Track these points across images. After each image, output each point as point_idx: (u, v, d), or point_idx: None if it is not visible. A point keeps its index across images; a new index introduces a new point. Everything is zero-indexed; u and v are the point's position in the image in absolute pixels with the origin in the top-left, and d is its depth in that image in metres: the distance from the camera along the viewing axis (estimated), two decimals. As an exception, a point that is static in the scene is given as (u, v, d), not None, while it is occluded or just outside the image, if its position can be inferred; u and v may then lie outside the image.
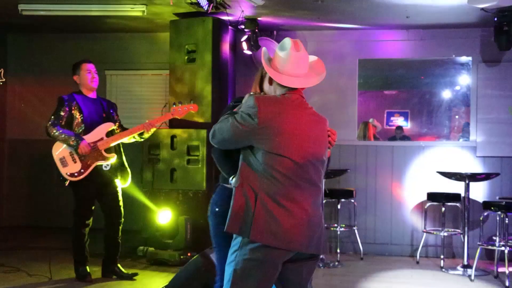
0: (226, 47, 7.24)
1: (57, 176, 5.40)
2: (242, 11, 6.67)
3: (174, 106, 5.53)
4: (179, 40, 6.98)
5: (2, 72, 5.59)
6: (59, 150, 5.35)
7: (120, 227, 5.61)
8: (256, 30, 7.12)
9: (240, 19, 6.94)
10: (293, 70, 2.87)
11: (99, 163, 5.36)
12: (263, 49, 3.00)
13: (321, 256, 2.87)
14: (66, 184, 5.36)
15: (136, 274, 5.69)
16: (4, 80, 7.51)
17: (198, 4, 5.87)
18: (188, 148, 6.64)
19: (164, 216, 6.53)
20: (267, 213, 2.73)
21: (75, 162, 5.32)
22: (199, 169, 6.58)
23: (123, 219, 5.61)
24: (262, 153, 2.78)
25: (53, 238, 7.10)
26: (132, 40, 8.37)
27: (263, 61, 2.95)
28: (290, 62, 2.86)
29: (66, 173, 5.32)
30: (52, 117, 5.38)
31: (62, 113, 5.39)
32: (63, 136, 5.29)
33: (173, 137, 6.68)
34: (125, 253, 6.67)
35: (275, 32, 7.65)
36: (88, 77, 5.50)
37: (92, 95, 5.57)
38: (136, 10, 6.77)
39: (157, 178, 6.72)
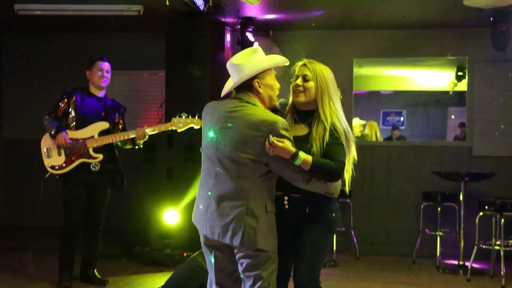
0: (222, 47, 7.23)
1: (36, 167, 5.23)
2: (238, 10, 6.67)
3: (175, 117, 5.22)
4: (175, 40, 6.96)
5: None
6: (47, 141, 5.25)
7: (101, 233, 5.47)
8: (252, 30, 7.11)
9: (237, 19, 6.94)
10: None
11: (84, 160, 5.20)
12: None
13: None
14: (46, 176, 5.22)
15: (107, 281, 5.45)
16: None
17: (194, 4, 5.86)
18: (186, 147, 6.62)
19: (170, 216, 6.47)
20: (196, 199, 3.29)
21: (60, 156, 5.19)
22: (197, 168, 6.55)
23: (103, 224, 5.48)
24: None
25: (49, 238, 7.08)
26: (128, 40, 8.35)
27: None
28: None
29: (48, 165, 5.20)
30: (52, 107, 5.36)
31: (60, 104, 5.33)
32: (48, 125, 5.22)
33: (170, 136, 6.67)
34: (121, 253, 6.67)
35: (271, 32, 7.64)
36: (97, 75, 5.38)
37: (99, 94, 5.44)
38: (132, 10, 6.76)
39: (154, 177, 6.71)
